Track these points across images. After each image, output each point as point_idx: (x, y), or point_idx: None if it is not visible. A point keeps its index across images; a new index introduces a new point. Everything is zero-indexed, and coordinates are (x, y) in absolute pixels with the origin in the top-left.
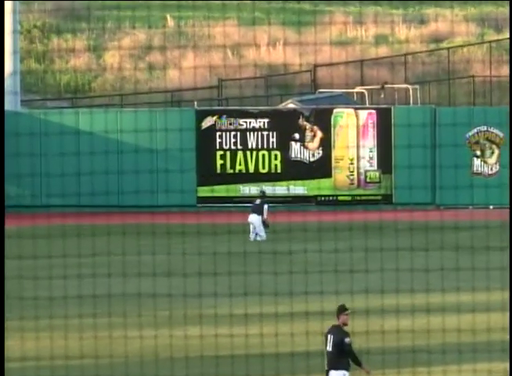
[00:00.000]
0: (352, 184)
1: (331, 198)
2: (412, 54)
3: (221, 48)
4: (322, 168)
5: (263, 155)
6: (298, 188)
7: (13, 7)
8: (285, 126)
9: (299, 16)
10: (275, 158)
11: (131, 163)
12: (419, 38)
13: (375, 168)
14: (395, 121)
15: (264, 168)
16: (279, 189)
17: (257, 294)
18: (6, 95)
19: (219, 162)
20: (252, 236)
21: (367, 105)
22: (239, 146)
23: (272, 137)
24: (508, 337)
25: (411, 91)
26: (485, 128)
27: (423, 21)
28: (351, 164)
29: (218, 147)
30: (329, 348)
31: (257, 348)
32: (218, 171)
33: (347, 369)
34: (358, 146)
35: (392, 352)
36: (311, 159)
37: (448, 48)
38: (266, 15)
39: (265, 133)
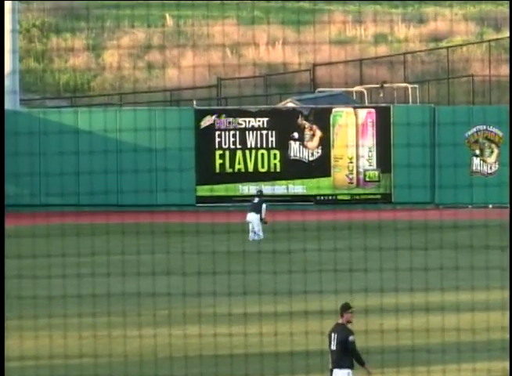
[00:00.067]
0: (351, 183)
1: (330, 197)
2: (412, 53)
3: (220, 48)
4: (321, 167)
5: (262, 154)
6: (297, 187)
7: (12, 6)
8: (284, 125)
9: (298, 15)
10: (275, 157)
11: (130, 162)
12: (418, 37)
13: (374, 167)
14: (394, 120)
15: (263, 167)
16: (279, 188)
17: (256, 294)
18: (5, 94)
19: (218, 161)
20: (251, 235)
21: (366, 104)
22: (238, 146)
23: (272, 136)
24: (508, 336)
25: (410, 90)
26: (484, 127)
27: (422, 20)
28: (351, 163)
29: (217, 146)
30: (333, 346)
31: (256, 347)
32: (217, 170)
33: (351, 367)
34: (357, 145)
35: (391, 351)
36: (311, 158)
37: (447, 48)
38: (265, 14)
39: (264, 132)
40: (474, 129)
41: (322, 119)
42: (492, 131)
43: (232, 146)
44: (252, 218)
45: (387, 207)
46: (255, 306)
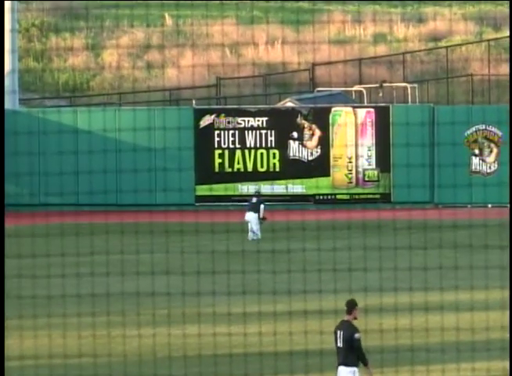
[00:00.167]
0: (351, 183)
1: (329, 197)
2: (411, 53)
3: (219, 47)
4: (320, 166)
5: (261, 154)
6: (297, 187)
7: (12, 6)
8: (283, 125)
9: (297, 14)
10: (274, 157)
11: (129, 161)
12: (417, 37)
13: (373, 166)
14: (394, 119)
15: (262, 166)
16: (278, 187)
17: (255, 293)
18: (5, 94)
19: (217, 161)
20: (250, 235)
21: (365, 103)
22: (237, 145)
23: (271, 136)
24: (507, 335)
25: (409, 89)
26: (484, 127)
27: (421, 20)
28: (350, 162)
29: (216, 146)
30: (339, 344)
31: (255, 346)
32: (217, 169)
33: (357, 366)
34: (356, 145)
35: (391, 350)
36: (310, 158)
37: (446, 47)
38: (265, 14)
39: (264, 132)
40: (473, 129)
41: (322, 119)
42: (491, 131)
43: (231, 146)
44: (250, 217)
45: (386, 206)
46: (254, 306)
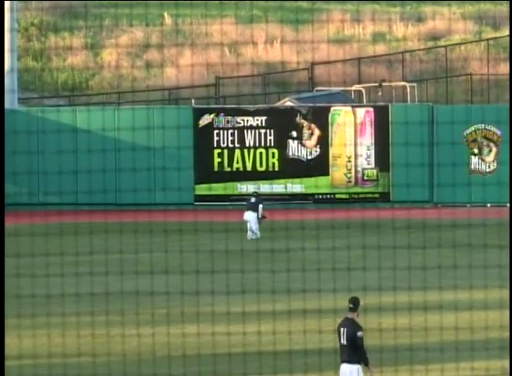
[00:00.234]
0: (350, 182)
1: (329, 196)
2: (410, 52)
3: (218, 46)
4: (319, 165)
5: (260, 153)
6: (296, 186)
7: (11, 5)
8: (282, 124)
9: (297, 14)
10: (273, 156)
11: (128, 161)
12: (416, 36)
13: (372, 165)
14: (393, 118)
15: (261, 166)
16: (277, 187)
17: (254, 292)
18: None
19: (217, 160)
20: (249, 234)
21: (365, 103)
22: (236, 144)
23: (270, 135)
24: (506, 334)
25: (408, 89)
26: (483, 126)
27: (420, 19)
28: (349, 162)
29: (215, 145)
30: (343, 341)
31: (254, 346)
32: (216, 169)
33: (360, 363)
34: (355, 144)
35: (390, 350)
36: (309, 157)
37: (445, 46)
38: (264, 13)
39: (263, 131)
40: (473, 128)
41: (321, 118)
42: (490, 130)
43: (230, 145)
44: (249, 217)
45: (385, 205)
46: (253, 305)
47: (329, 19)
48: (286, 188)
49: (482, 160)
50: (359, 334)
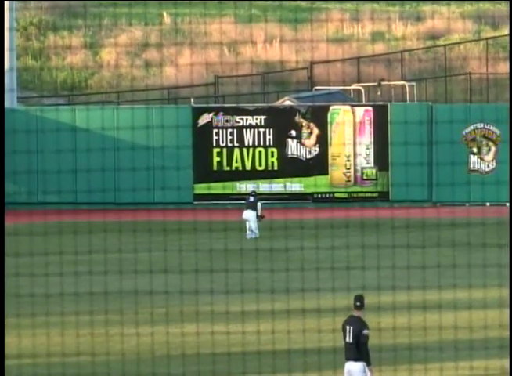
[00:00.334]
0: (349, 181)
1: (328, 195)
2: (409, 51)
3: (217, 46)
4: (318, 165)
5: (259, 152)
6: (295, 185)
7: (10, 4)
8: (281, 123)
9: (296, 13)
10: (272, 155)
11: (127, 160)
12: (415, 35)
13: (371, 165)
14: (392, 118)
15: (260, 165)
16: (276, 186)
17: (253, 292)
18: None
19: (216, 159)
20: (248, 233)
21: (364, 102)
22: (235, 144)
23: (269, 134)
24: (505, 333)
25: (407, 88)
26: (482, 125)
27: (419, 18)
28: (348, 161)
29: (214, 144)
30: (348, 339)
31: (253, 345)
32: (215, 168)
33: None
34: (354, 143)
35: (389, 349)
36: (308, 156)
37: (444, 46)
38: (263, 12)
39: (262, 130)
40: (472, 127)
41: (320, 117)
42: (489, 129)
43: (229, 144)
44: (248, 215)
45: (384, 205)
46: (252, 304)
47: (329, 19)
48: (285, 187)
49: (481, 159)
50: (365, 332)
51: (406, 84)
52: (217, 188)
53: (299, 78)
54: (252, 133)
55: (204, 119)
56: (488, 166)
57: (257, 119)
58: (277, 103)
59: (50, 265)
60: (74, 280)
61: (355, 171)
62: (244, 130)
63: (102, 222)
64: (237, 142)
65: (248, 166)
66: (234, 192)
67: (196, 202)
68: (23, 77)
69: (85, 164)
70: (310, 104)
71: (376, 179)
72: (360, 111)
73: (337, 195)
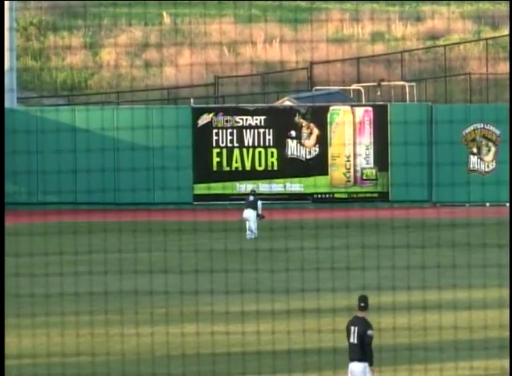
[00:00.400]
0: (349, 181)
1: (327, 195)
2: (409, 51)
3: (217, 46)
4: (318, 165)
5: (259, 152)
6: (295, 185)
7: (10, 4)
8: (281, 123)
9: (296, 13)
10: (272, 156)
11: (127, 160)
12: (415, 36)
13: (371, 165)
14: (392, 118)
15: (260, 165)
16: (276, 186)
17: (253, 292)
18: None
19: (215, 160)
20: (248, 233)
21: (363, 102)
22: (235, 144)
23: (269, 134)
24: (505, 334)
25: (407, 88)
26: (482, 126)
27: (419, 18)
28: (348, 161)
29: (214, 145)
30: (352, 339)
31: (253, 345)
32: (215, 168)
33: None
34: (354, 144)
35: (389, 349)
36: (308, 156)
37: (444, 46)
38: (263, 12)
39: (262, 131)
40: (471, 127)
41: (320, 117)
42: (489, 130)
43: (229, 145)
44: (249, 214)
45: (384, 205)
46: (252, 304)
47: (328, 19)
48: (285, 187)
49: (481, 159)
50: (370, 332)
51: (406, 84)
52: (217, 188)
53: (299, 78)
54: (252, 133)
55: (204, 119)
56: (487, 166)
57: (257, 119)
58: (277, 104)
59: (50, 265)
60: (74, 280)
61: (355, 171)
62: (244, 130)
63: (102, 222)
64: (237, 142)
65: (248, 166)
66: (234, 192)
67: (196, 202)
68: (22, 77)
69: (85, 164)
70: (310, 104)
71: (376, 180)
72: (360, 111)
73: (336, 195)
